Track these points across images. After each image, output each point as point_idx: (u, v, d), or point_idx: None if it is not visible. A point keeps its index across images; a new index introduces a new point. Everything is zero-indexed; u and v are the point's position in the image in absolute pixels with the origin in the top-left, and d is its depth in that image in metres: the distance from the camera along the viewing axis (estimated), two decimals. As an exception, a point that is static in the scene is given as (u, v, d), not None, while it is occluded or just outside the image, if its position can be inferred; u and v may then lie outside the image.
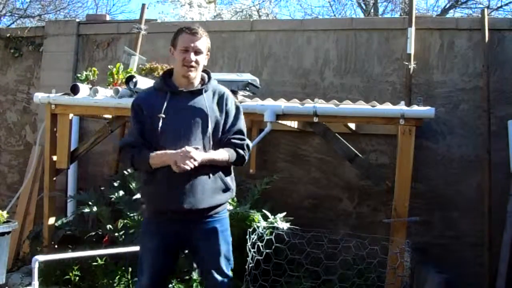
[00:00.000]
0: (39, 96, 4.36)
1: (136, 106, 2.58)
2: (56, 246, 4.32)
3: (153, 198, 2.54)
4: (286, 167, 4.88)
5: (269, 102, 3.97)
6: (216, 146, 2.53)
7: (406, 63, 4.50)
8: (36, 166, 5.33)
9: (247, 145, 2.61)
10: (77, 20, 6.05)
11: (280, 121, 3.95)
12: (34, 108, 5.70)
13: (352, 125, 4.38)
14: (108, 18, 6.21)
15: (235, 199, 4.08)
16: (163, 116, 2.47)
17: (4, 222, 4.10)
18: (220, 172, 2.54)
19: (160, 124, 2.46)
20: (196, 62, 2.50)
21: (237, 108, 2.65)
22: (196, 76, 2.56)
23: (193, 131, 2.48)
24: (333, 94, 4.77)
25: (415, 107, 3.69)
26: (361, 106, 3.75)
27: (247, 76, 4.46)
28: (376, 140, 4.69)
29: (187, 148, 2.39)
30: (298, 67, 4.95)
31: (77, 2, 10.59)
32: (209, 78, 2.64)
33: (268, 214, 4.01)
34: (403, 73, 4.59)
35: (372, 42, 4.78)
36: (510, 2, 9.99)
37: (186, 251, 3.05)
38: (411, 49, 4.50)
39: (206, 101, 2.53)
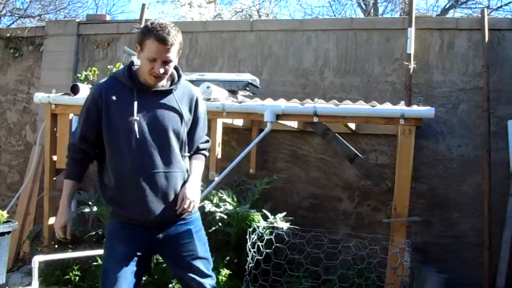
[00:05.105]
0: (39, 96, 4.37)
1: (99, 96, 2.29)
2: (56, 246, 4.32)
3: (121, 206, 2.32)
4: (286, 167, 4.88)
5: (269, 102, 3.98)
6: (188, 148, 2.40)
7: (406, 63, 4.50)
8: (36, 166, 5.33)
9: (208, 141, 2.54)
10: (77, 20, 6.05)
11: (280, 121, 3.95)
12: (34, 108, 5.70)
13: (352, 125, 4.38)
14: (108, 18, 6.21)
15: (235, 198, 4.09)
16: (137, 118, 2.24)
17: (4, 222, 4.10)
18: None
19: (137, 128, 2.23)
20: (165, 72, 2.25)
21: (205, 111, 2.49)
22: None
23: (167, 133, 2.29)
24: (333, 94, 4.77)
25: (415, 107, 3.69)
26: (361, 106, 3.75)
27: (247, 76, 4.46)
28: (376, 140, 4.69)
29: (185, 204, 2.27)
30: (298, 67, 4.95)
31: (77, 2, 10.60)
32: (179, 76, 2.40)
33: (268, 214, 4.01)
34: (403, 73, 4.59)
35: (372, 42, 4.78)
36: (510, 2, 10.00)
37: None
38: (411, 49, 4.50)
39: (178, 101, 2.33)
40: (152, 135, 2.26)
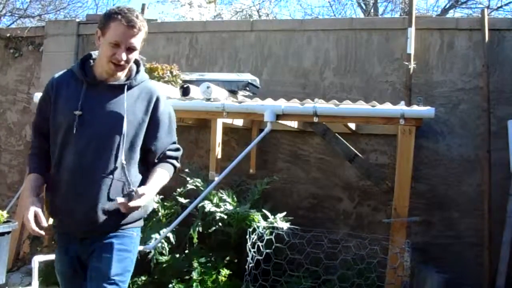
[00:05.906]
0: (39, 96, 4.35)
1: (50, 88, 2.10)
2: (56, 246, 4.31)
3: (56, 213, 2.11)
4: (286, 167, 4.88)
5: (269, 102, 3.97)
6: (135, 154, 2.06)
7: (406, 63, 4.50)
8: (36, 166, 5.32)
9: (178, 149, 2.21)
10: (77, 20, 6.06)
11: (280, 121, 3.95)
12: (34, 108, 5.67)
13: (352, 125, 4.38)
14: (108, 18, 6.21)
15: (235, 198, 4.09)
16: (80, 113, 2.00)
17: (4, 222, 4.08)
18: (134, 191, 1.97)
19: (76, 124, 1.99)
20: (127, 61, 2.02)
21: (170, 113, 2.17)
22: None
23: (107, 135, 2.01)
24: (333, 94, 4.77)
25: (415, 107, 3.69)
26: (361, 106, 3.75)
27: (247, 76, 4.47)
28: (376, 140, 4.69)
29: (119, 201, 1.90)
30: (298, 67, 4.95)
31: (77, 2, 10.56)
32: (138, 71, 2.13)
33: (268, 214, 4.01)
34: (403, 73, 4.59)
35: (372, 42, 4.78)
36: (510, 2, 9.99)
37: None
38: (411, 49, 4.50)
39: (127, 101, 2.03)
40: (90, 135, 2.00)
